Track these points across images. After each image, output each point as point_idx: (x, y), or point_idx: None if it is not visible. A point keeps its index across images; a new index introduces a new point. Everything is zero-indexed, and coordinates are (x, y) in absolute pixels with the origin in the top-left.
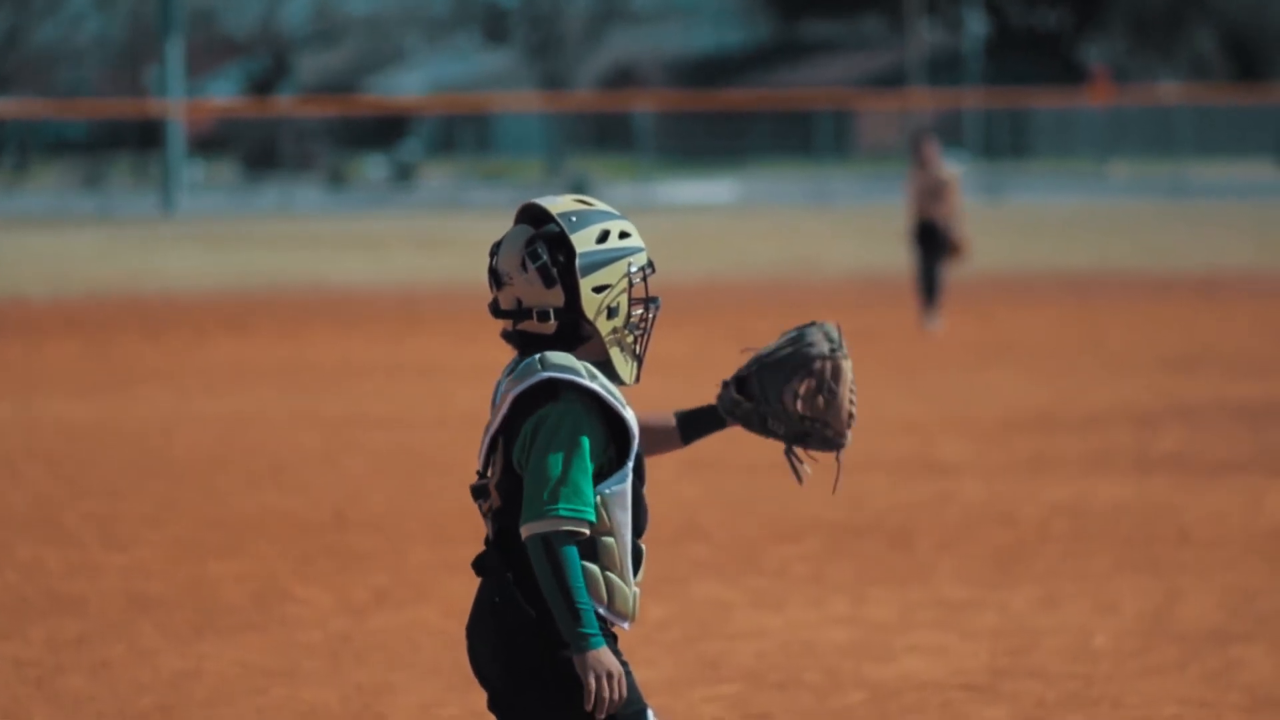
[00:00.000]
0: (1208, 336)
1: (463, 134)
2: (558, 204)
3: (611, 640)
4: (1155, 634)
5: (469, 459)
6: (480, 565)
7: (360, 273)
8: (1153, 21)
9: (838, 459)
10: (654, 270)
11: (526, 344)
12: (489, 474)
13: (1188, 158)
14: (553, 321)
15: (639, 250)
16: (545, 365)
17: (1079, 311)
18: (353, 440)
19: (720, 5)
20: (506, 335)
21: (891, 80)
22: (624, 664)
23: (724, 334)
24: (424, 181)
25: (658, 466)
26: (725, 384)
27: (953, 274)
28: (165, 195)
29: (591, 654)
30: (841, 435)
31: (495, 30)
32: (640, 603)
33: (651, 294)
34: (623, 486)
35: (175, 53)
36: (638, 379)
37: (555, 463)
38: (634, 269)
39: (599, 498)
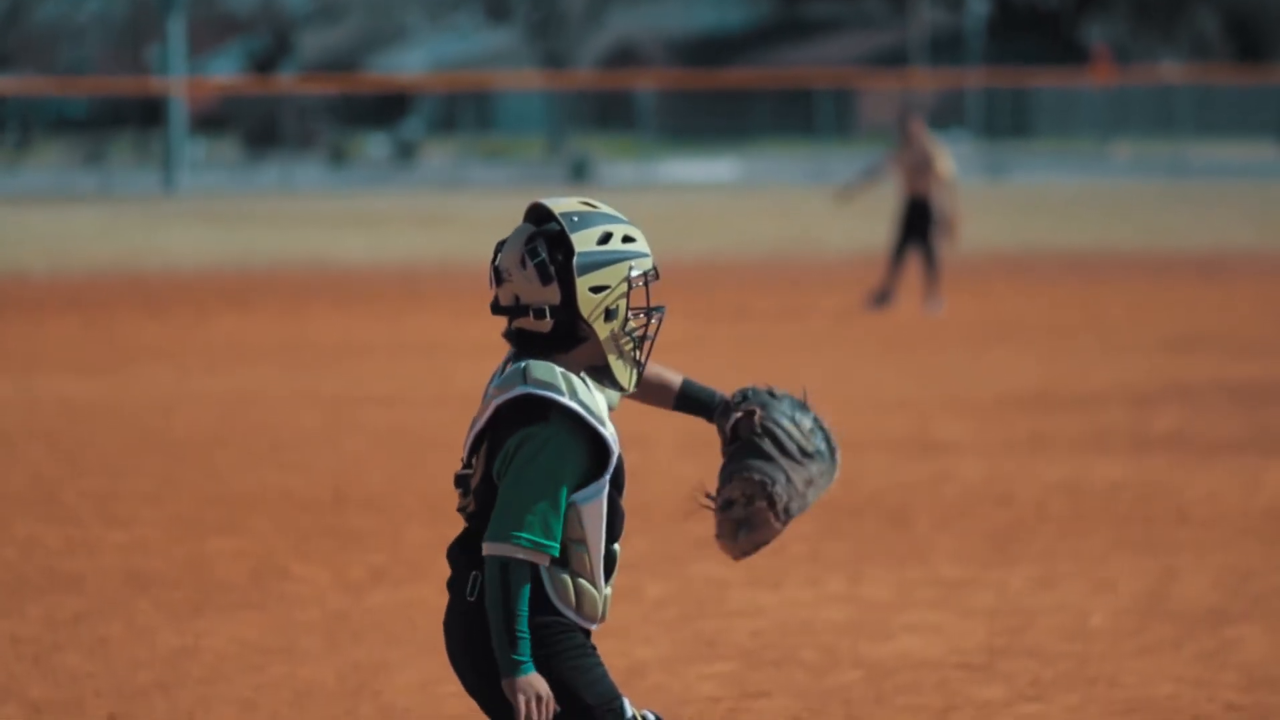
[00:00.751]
0: (1207, 317)
1: (464, 112)
2: (563, 204)
3: (584, 635)
4: (1151, 613)
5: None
6: (452, 557)
7: (361, 251)
8: (1154, 1)
9: (712, 509)
10: (658, 277)
11: (524, 343)
12: (473, 468)
13: (1189, 138)
14: (549, 320)
15: (643, 255)
16: (527, 378)
17: (1079, 291)
18: (352, 419)
19: None
20: (506, 334)
21: (893, 59)
22: (597, 661)
23: (724, 312)
24: (425, 160)
25: (657, 445)
26: (728, 403)
27: (950, 253)
28: (166, 173)
29: (521, 679)
30: (754, 548)
31: (497, 8)
32: (611, 603)
33: (655, 302)
34: (599, 498)
35: (177, 30)
36: (637, 386)
37: (529, 490)
38: (635, 273)
39: (574, 506)
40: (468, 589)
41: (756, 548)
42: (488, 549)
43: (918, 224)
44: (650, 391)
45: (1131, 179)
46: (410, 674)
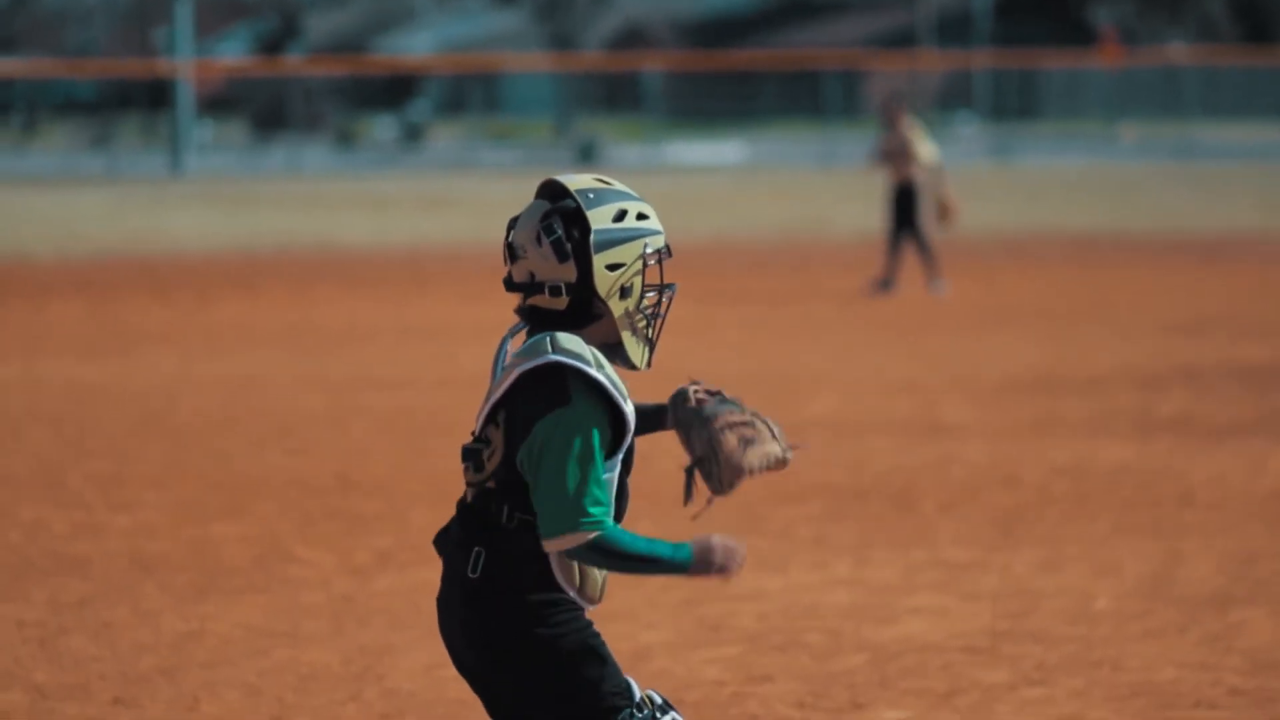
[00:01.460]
0: (1214, 299)
1: (471, 94)
2: (577, 181)
3: (587, 622)
4: (1156, 597)
5: (472, 421)
6: (445, 538)
7: (368, 233)
8: None
9: (710, 500)
10: (670, 255)
11: (538, 320)
12: (489, 443)
13: (1196, 120)
14: (564, 297)
15: (656, 233)
16: (555, 348)
17: (1085, 274)
18: (357, 402)
19: None
20: (519, 310)
21: (900, 41)
22: (601, 645)
23: (732, 295)
24: (432, 142)
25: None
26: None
27: (949, 234)
28: (173, 155)
29: (698, 553)
30: (723, 488)
31: None
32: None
33: (668, 280)
34: (610, 475)
35: (184, 12)
36: (649, 364)
37: (573, 475)
38: (649, 250)
39: None
40: (469, 567)
41: (737, 476)
42: (554, 545)
43: (906, 210)
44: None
45: (1138, 161)
46: (415, 658)
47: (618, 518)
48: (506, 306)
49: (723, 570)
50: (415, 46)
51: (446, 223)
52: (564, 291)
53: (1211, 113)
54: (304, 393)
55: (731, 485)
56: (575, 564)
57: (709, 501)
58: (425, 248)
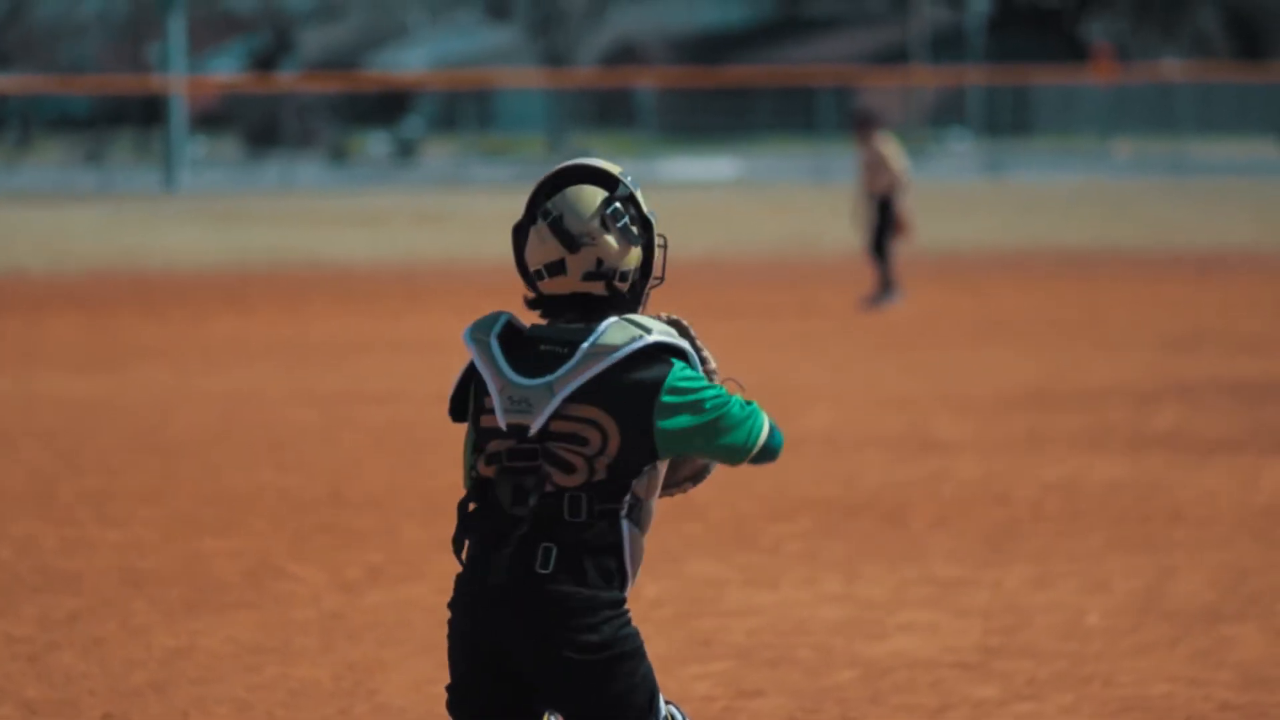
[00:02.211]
0: (1207, 315)
1: (465, 110)
2: (605, 164)
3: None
4: (1147, 612)
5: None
6: (478, 537)
7: (361, 249)
8: None
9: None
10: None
11: (589, 308)
12: (587, 441)
13: (1189, 136)
14: (628, 282)
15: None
16: (644, 329)
17: (1078, 289)
18: (350, 417)
19: None
20: (565, 300)
21: (894, 57)
22: (641, 644)
23: (725, 310)
24: (426, 158)
25: None
26: None
27: (949, 250)
28: (167, 171)
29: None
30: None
31: (497, 6)
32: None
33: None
34: None
35: (177, 28)
36: None
37: (732, 408)
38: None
39: (657, 465)
40: (538, 562)
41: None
42: (753, 454)
43: (883, 221)
44: None
45: (1132, 177)
46: (406, 673)
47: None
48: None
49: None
50: (408, 63)
51: (440, 238)
52: (630, 276)
53: (1205, 128)
54: (296, 408)
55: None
56: (640, 546)
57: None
58: (418, 263)
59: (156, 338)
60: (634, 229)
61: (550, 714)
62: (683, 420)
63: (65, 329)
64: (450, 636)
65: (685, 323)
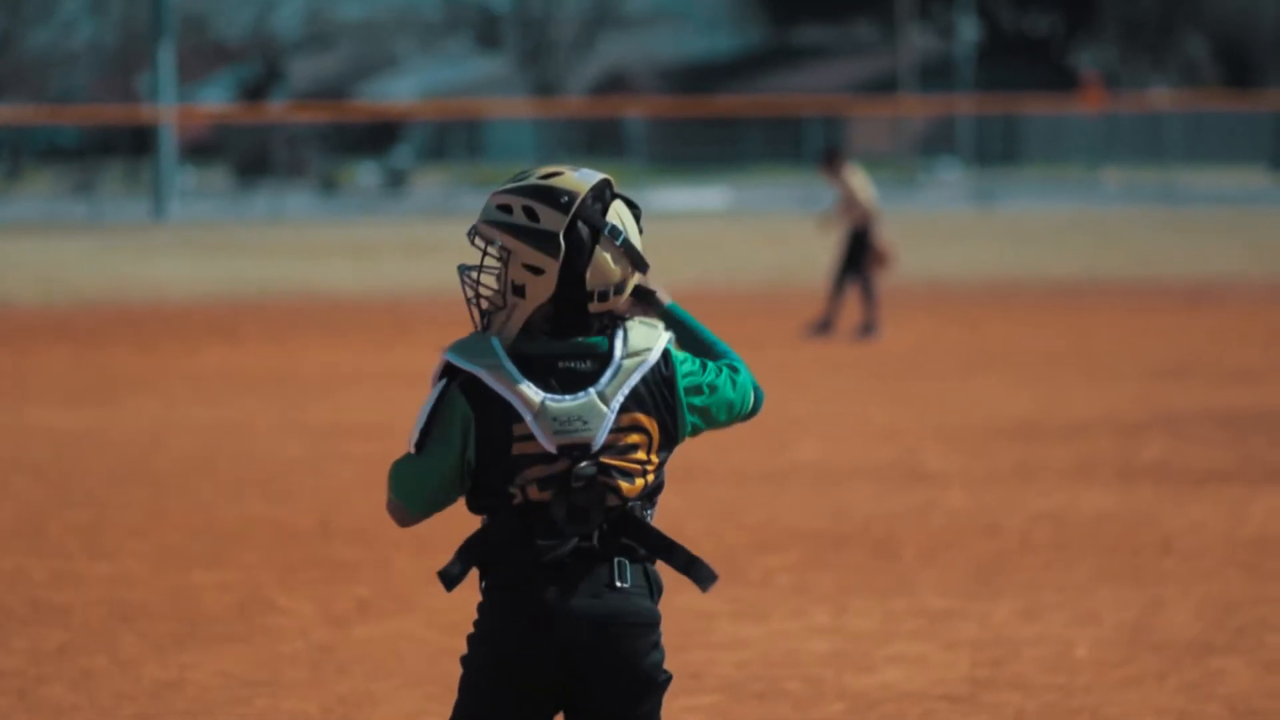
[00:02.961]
0: (1196, 345)
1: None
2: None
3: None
4: (1136, 645)
5: None
6: (578, 555)
7: (351, 280)
8: (1144, 27)
9: None
10: None
11: (607, 323)
12: (635, 447)
13: (1179, 164)
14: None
15: None
16: (653, 324)
17: (1067, 319)
18: (339, 449)
19: (712, 11)
20: (591, 317)
21: (883, 86)
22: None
23: None
24: (416, 188)
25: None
26: None
27: (938, 280)
28: (157, 202)
29: None
30: None
31: (487, 36)
32: None
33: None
34: None
35: (167, 58)
36: None
37: (726, 378)
38: None
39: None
40: (614, 578)
41: None
42: (748, 414)
43: (856, 254)
44: None
45: (1121, 206)
46: (396, 707)
47: None
48: None
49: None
50: (398, 93)
51: (430, 269)
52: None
53: (1194, 157)
54: (286, 440)
55: None
56: None
57: None
58: (408, 294)
59: (146, 369)
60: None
61: None
62: (699, 400)
63: (54, 360)
64: (481, 667)
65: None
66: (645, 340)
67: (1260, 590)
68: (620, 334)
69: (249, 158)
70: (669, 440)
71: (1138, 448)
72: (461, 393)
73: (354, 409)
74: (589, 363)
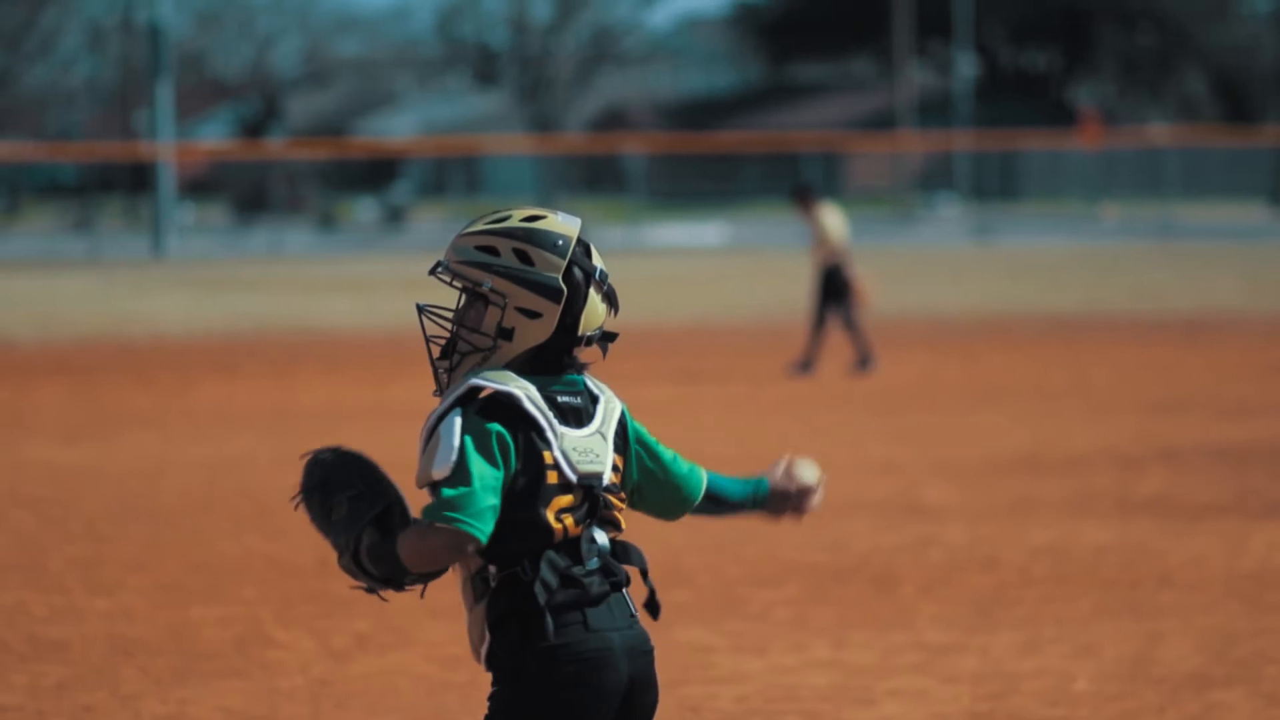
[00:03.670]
0: (1194, 379)
1: (453, 176)
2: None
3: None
4: (1135, 678)
5: None
6: (612, 588)
7: (349, 315)
8: (1142, 63)
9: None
10: None
11: (579, 367)
12: (621, 485)
13: (1177, 199)
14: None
15: None
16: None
17: (1066, 353)
18: None
19: (710, 48)
20: (577, 364)
21: (881, 122)
22: None
23: (712, 375)
24: (414, 224)
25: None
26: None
27: (938, 315)
28: (155, 238)
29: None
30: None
31: (485, 72)
32: None
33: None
34: None
35: (165, 95)
36: None
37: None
38: None
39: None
40: (630, 608)
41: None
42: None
43: (831, 291)
44: None
45: (1119, 241)
46: None
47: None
48: None
49: None
50: (396, 129)
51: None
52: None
53: (1192, 192)
54: (284, 475)
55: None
56: None
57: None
58: (407, 329)
59: (144, 405)
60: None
61: None
62: (649, 458)
63: (53, 396)
64: (577, 701)
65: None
66: (603, 384)
67: (1259, 623)
68: (587, 375)
69: (248, 194)
70: (625, 485)
71: (1137, 481)
72: (490, 414)
73: (353, 444)
74: (579, 399)
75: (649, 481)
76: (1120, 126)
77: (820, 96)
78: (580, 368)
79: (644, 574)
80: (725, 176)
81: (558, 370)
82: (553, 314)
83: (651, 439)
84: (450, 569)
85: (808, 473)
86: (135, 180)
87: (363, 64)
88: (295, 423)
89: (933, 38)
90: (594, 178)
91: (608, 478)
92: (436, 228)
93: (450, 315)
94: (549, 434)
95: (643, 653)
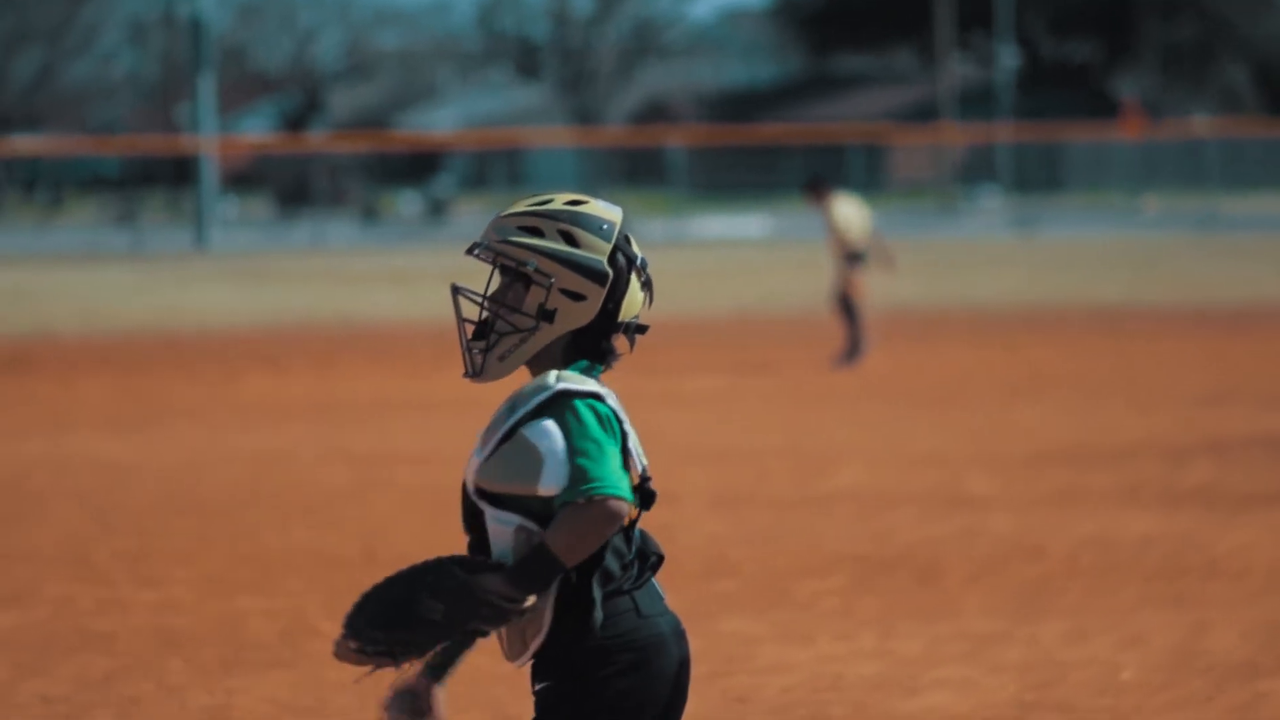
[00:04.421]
0: (1239, 370)
1: (495, 169)
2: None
3: None
4: (1182, 667)
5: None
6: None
7: (393, 308)
8: (1184, 54)
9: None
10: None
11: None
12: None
13: (1219, 191)
14: None
15: None
16: None
17: (1109, 345)
18: (383, 476)
19: (752, 40)
20: (607, 348)
21: (923, 114)
22: None
23: (755, 367)
24: (457, 217)
25: (687, 501)
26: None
27: (981, 306)
28: (198, 231)
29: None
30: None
31: (527, 65)
32: None
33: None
34: None
35: (207, 89)
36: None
37: None
38: None
39: None
40: (661, 590)
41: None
42: None
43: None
44: None
45: (1162, 232)
46: None
47: None
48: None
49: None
50: (439, 122)
51: None
52: None
53: (1234, 184)
54: (329, 467)
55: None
56: None
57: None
58: (450, 322)
59: (189, 398)
60: None
61: None
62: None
63: (98, 390)
64: (642, 702)
65: None
66: None
67: None
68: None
69: (290, 187)
70: None
71: (1182, 472)
72: (615, 415)
73: (397, 437)
74: (613, 397)
75: None
76: (1162, 118)
77: (861, 88)
78: (616, 357)
79: (660, 561)
80: (767, 169)
81: (598, 357)
82: (597, 297)
83: None
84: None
85: None
86: (177, 174)
87: (404, 57)
88: (340, 415)
89: (974, 29)
90: (635, 170)
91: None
92: (479, 221)
93: (487, 296)
94: (626, 426)
95: (682, 634)
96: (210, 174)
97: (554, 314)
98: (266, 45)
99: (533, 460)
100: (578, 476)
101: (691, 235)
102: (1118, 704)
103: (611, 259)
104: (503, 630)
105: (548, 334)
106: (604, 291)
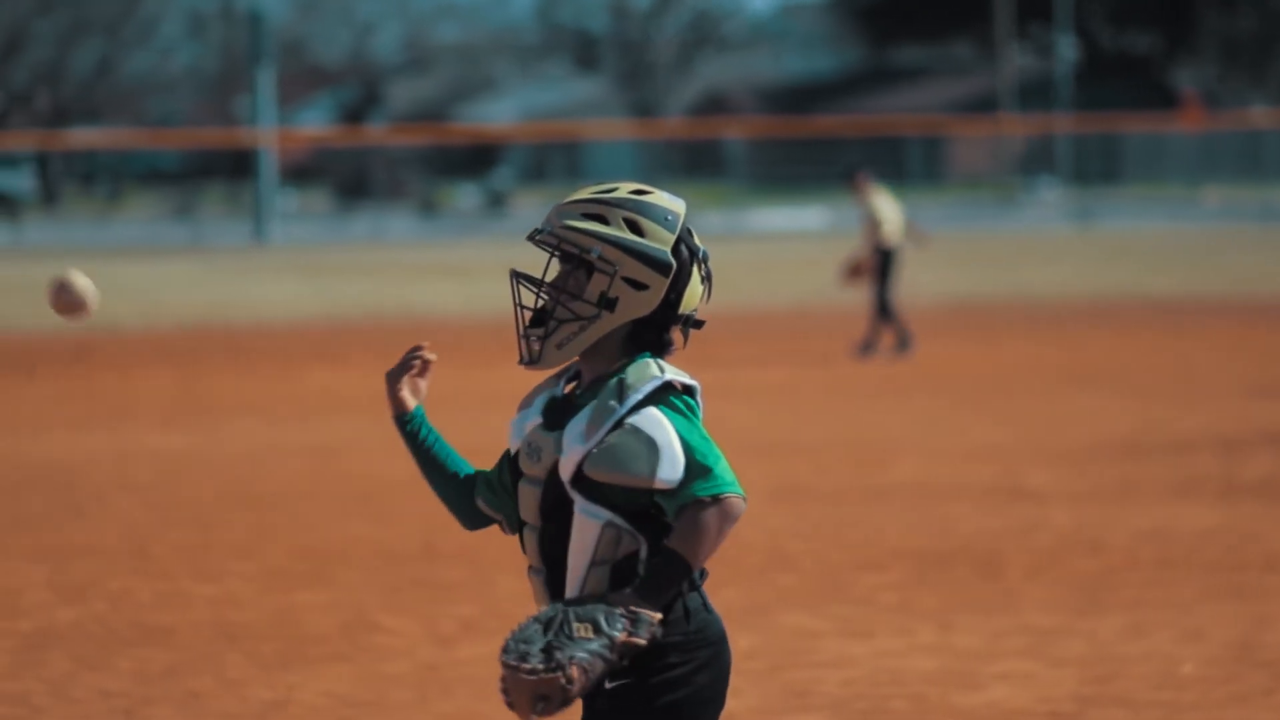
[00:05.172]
0: None
1: (554, 162)
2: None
3: None
4: (1242, 661)
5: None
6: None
7: (452, 301)
8: (1244, 46)
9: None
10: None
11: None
12: None
13: (1278, 183)
14: None
15: None
16: None
17: (1167, 337)
18: None
19: (810, 31)
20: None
21: (983, 106)
22: None
23: (814, 359)
24: (515, 210)
25: (746, 494)
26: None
27: (1039, 300)
28: (257, 224)
29: None
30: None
31: (586, 58)
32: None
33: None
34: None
35: (266, 82)
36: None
37: None
38: None
39: None
40: None
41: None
42: None
43: (886, 271)
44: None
45: (1221, 224)
46: None
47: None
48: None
49: None
50: (497, 115)
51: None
52: None
53: None
54: (388, 461)
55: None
56: None
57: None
58: (510, 315)
59: (248, 391)
60: None
61: None
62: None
63: (157, 383)
64: (715, 694)
65: None
66: None
67: None
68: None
69: (349, 180)
70: None
71: (1240, 465)
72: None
73: (456, 430)
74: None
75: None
76: (1221, 110)
77: (920, 80)
78: (674, 349)
79: None
80: (825, 160)
81: (658, 349)
82: (660, 287)
83: None
84: (534, 561)
85: None
86: (236, 167)
87: (463, 50)
88: None
89: (1033, 21)
90: (694, 163)
91: None
92: (537, 213)
93: (547, 283)
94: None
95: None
96: (269, 167)
97: (615, 303)
98: (325, 38)
99: (648, 451)
100: (698, 474)
101: (750, 227)
102: (1178, 698)
103: (675, 250)
104: None
105: (608, 323)
106: (667, 282)
